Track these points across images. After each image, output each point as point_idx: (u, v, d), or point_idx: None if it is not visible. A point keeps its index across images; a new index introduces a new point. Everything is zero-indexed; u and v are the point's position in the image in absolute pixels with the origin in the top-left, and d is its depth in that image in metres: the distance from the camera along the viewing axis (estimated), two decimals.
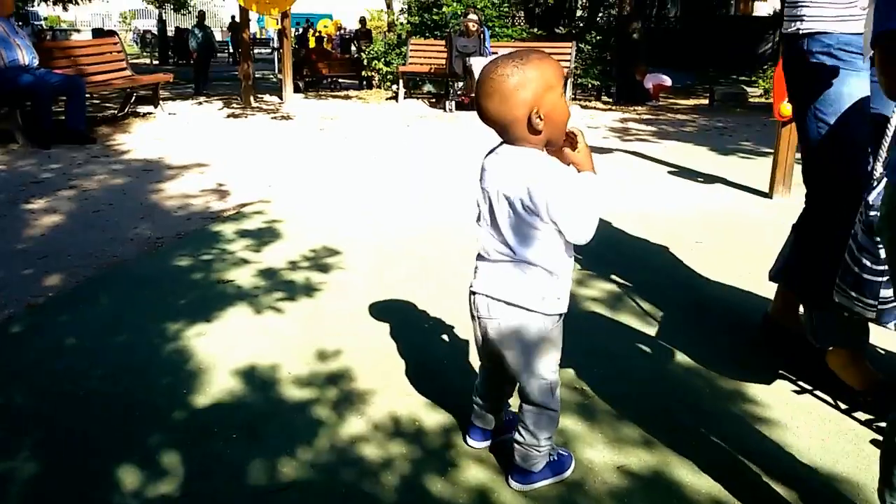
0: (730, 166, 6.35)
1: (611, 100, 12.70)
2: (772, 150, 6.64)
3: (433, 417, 2.24)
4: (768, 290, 3.26)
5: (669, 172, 6.10)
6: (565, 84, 1.61)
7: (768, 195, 5.14)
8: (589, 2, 15.05)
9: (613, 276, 3.46)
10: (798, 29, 2.33)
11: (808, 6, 2.31)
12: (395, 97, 12.25)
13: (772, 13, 21.22)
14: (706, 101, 12.61)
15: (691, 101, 12.89)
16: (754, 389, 2.43)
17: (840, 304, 2.11)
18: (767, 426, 2.22)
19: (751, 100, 12.53)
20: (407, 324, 2.93)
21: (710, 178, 5.81)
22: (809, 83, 2.32)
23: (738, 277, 3.45)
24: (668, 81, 12.57)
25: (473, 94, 10.00)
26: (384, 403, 2.32)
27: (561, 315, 1.81)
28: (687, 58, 16.18)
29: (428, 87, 13.01)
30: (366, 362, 2.59)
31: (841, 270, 2.09)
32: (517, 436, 1.91)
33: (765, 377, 2.50)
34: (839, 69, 2.25)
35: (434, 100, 12.16)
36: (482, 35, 10.60)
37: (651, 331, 2.90)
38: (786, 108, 4.73)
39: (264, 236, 4.16)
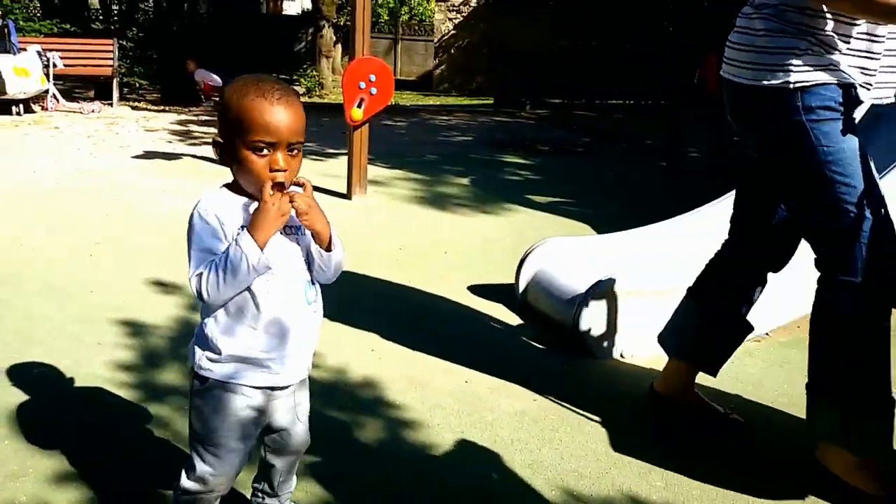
0: (303, 169, 6.49)
1: (159, 97, 12.14)
2: (335, 151, 7.04)
3: None
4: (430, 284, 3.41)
5: None
6: (235, 126, 1.43)
7: (347, 196, 5.39)
8: None
9: None
10: (787, 82, 1.98)
11: (800, 54, 1.97)
12: None
13: (301, 12, 22.31)
14: None
15: None
16: (395, 395, 2.52)
17: None
18: (413, 429, 2.32)
19: (301, 100, 13.05)
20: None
21: None
22: (814, 142, 2.00)
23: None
24: (218, 82, 12.42)
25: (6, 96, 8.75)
26: None
27: (211, 381, 1.49)
28: (221, 56, 16.07)
29: None
30: None
31: None
32: None
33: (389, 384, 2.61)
34: (841, 122, 2.00)
35: None
36: (7, 30, 9.26)
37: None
38: (356, 113, 5.01)
39: None
